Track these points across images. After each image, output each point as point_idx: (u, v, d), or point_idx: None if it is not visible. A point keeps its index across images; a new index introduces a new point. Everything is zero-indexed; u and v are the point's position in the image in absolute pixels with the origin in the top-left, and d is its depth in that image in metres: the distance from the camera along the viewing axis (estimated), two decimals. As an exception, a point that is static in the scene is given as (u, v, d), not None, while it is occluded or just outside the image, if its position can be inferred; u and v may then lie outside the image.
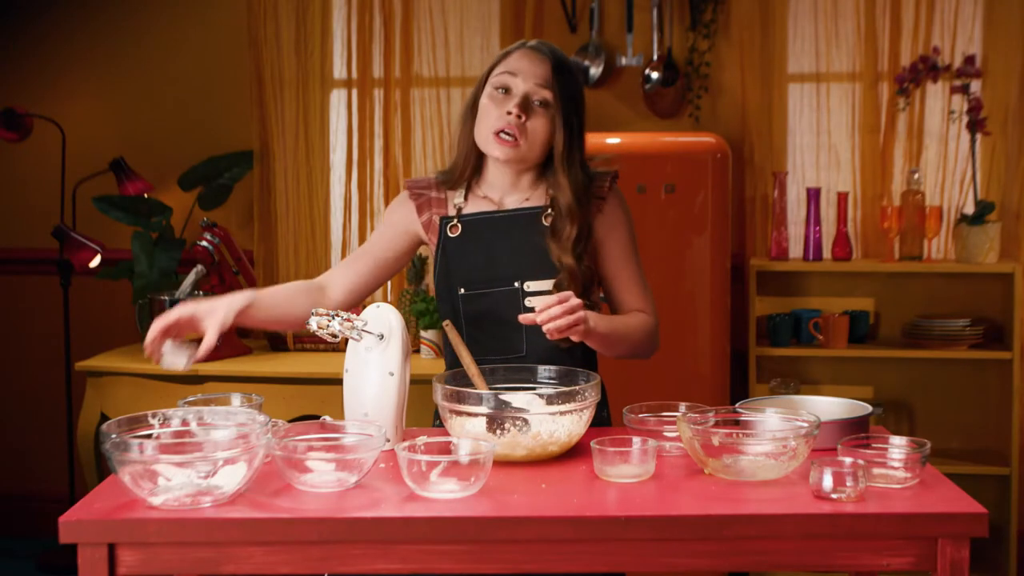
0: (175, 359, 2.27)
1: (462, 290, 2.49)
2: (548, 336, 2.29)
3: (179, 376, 4.04)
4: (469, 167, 2.53)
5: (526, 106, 2.44)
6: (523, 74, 2.45)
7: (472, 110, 2.50)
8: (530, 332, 2.46)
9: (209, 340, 2.28)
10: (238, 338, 4.35)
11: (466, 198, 2.55)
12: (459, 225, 2.52)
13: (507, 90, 2.45)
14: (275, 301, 2.46)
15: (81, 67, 4.76)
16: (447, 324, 2.39)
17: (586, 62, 4.46)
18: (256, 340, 4.55)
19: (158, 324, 2.26)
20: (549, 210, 2.49)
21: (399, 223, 2.59)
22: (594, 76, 4.46)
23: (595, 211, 2.52)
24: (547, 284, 2.47)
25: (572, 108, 2.48)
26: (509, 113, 2.42)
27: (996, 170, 4.32)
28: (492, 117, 2.44)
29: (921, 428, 4.40)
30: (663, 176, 4.01)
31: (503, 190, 2.54)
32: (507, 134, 2.42)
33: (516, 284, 2.48)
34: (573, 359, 2.47)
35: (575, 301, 2.29)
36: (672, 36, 4.46)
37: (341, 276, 2.57)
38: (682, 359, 4.04)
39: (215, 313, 2.32)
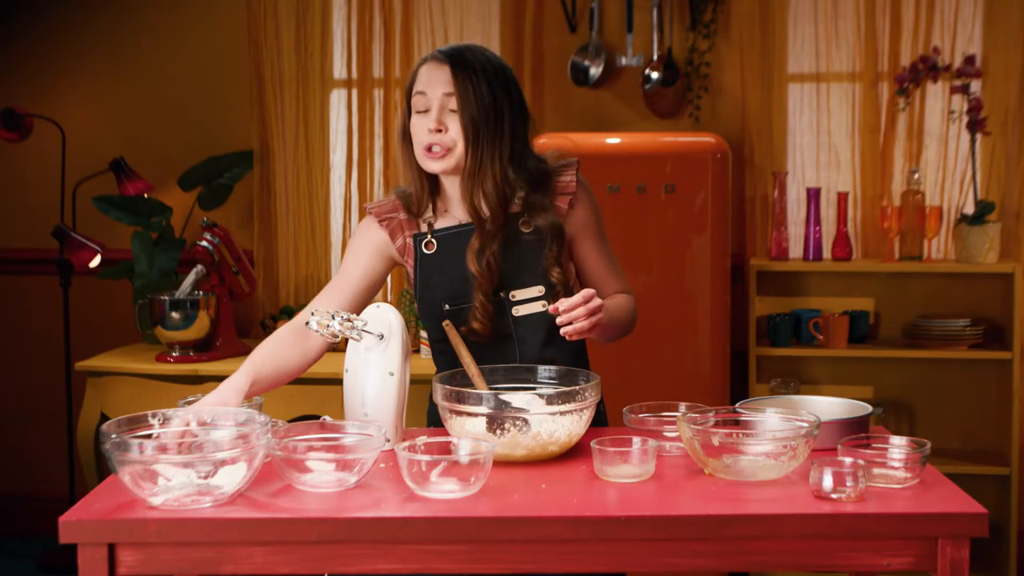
0: None
1: (447, 306, 2.47)
2: (566, 337, 2.30)
3: (179, 376, 4.04)
4: (425, 190, 2.52)
5: (444, 118, 2.42)
6: (430, 87, 2.43)
7: (406, 136, 2.50)
8: (520, 340, 2.46)
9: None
10: (238, 338, 4.35)
11: (435, 214, 2.53)
12: (434, 241, 2.51)
13: (426, 109, 2.44)
14: (273, 365, 2.39)
15: (81, 67, 4.76)
16: (447, 324, 2.39)
17: (586, 62, 4.46)
18: (256, 340, 4.55)
19: (175, 438, 2.07)
20: (525, 217, 2.48)
21: (373, 247, 2.54)
22: (594, 76, 4.46)
23: (565, 208, 2.51)
24: (532, 291, 2.46)
25: (483, 114, 2.41)
26: (430, 130, 2.42)
27: (996, 170, 4.32)
28: (419, 135, 2.44)
29: (921, 428, 4.40)
30: (663, 176, 4.01)
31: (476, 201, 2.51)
32: (437, 147, 2.42)
33: (501, 295, 2.47)
34: (565, 364, 2.47)
35: (597, 301, 2.29)
36: (672, 36, 4.46)
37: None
38: (682, 359, 4.04)
39: (228, 407, 2.23)
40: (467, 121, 2.41)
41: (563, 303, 2.28)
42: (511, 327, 2.47)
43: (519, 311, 2.47)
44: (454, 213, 2.52)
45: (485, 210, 2.45)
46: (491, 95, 2.44)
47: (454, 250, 2.49)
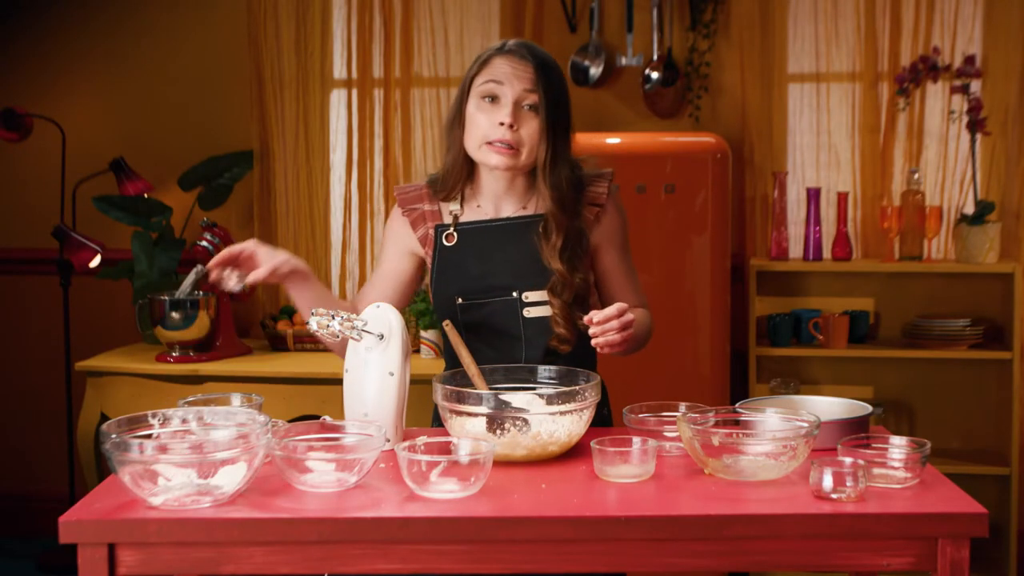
0: (229, 281, 2.37)
1: (460, 300, 2.47)
2: (598, 349, 2.30)
3: (179, 376, 4.05)
4: (461, 177, 2.51)
5: (516, 113, 2.41)
6: (508, 80, 2.40)
7: (459, 119, 2.47)
8: (528, 342, 2.46)
9: (260, 273, 2.34)
10: (238, 338, 4.35)
11: (461, 206, 2.53)
12: (455, 234, 2.51)
13: (494, 98, 2.41)
14: (324, 293, 2.46)
15: (81, 67, 4.76)
16: (447, 324, 2.39)
17: (586, 62, 4.47)
18: (256, 340, 4.55)
19: (223, 252, 2.35)
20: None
21: (400, 243, 2.56)
22: (594, 76, 4.46)
23: (592, 219, 2.51)
24: (546, 295, 2.45)
25: (559, 112, 2.44)
26: (501, 124, 2.39)
27: (996, 170, 4.32)
28: (483, 127, 2.41)
29: (921, 428, 4.40)
30: (663, 176, 4.01)
31: (497, 196, 2.51)
32: (502, 143, 2.40)
33: (515, 294, 2.47)
34: (570, 362, 2.47)
35: (629, 316, 2.29)
36: (672, 36, 4.46)
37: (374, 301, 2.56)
38: (682, 359, 4.04)
39: (276, 255, 2.36)
40: (548, 120, 2.40)
41: (596, 315, 2.27)
42: (520, 327, 2.47)
43: (530, 312, 2.46)
44: (483, 207, 2.52)
45: (559, 210, 2.44)
46: (566, 96, 2.47)
47: (475, 245, 2.49)
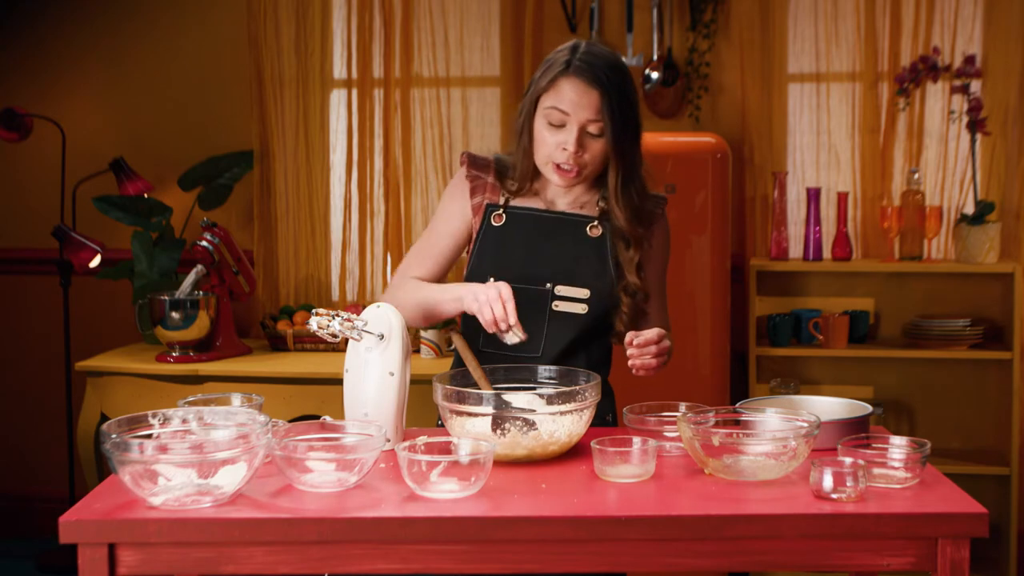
0: (513, 338, 2.36)
1: (492, 279, 2.47)
2: (633, 371, 2.35)
3: (179, 376, 4.05)
4: (528, 178, 2.54)
5: (581, 140, 2.43)
6: (574, 109, 2.41)
7: (527, 130, 2.48)
8: (549, 335, 2.47)
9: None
10: (238, 338, 4.35)
11: (519, 193, 2.55)
12: (504, 215, 2.53)
13: (561, 124, 2.43)
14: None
15: (81, 67, 4.76)
16: (455, 334, 2.39)
17: (586, 62, 4.46)
18: (256, 340, 4.55)
19: (507, 312, 2.33)
20: (596, 222, 2.51)
21: (458, 213, 2.58)
22: (594, 76, 4.46)
23: None
24: (577, 291, 2.48)
25: (626, 133, 2.45)
26: (565, 149, 2.42)
27: (996, 170, 4.32)
28: (548, 146, 2.44)
29: (921, 428, 4.40)
30: (663, 176, 4.00)
31: (556, 192, 2.56)
32: (567, 167, 2.44)
33: (547, 286, 2.48)
34: (583, 365, 2.48)
35: (666, 343, 2.35)
36: (672, 36, 4.46)
37: (420, 276, 2.59)
38: (682, 359, 4.02)
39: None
40: (615, 144, 2.42)
41: (639, 337, 2.32)
42: (545, 320, 2.48)
43: (559, 306, 2.48)
44: (541, 195, 2.55)
45: (637, 226, 2.48)
46: (634, 115, 2.47)
47: (521, 230, 2.52)
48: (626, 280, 2.48)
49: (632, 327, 2.46)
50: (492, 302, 2.33)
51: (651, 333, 2.32)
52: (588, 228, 2.52)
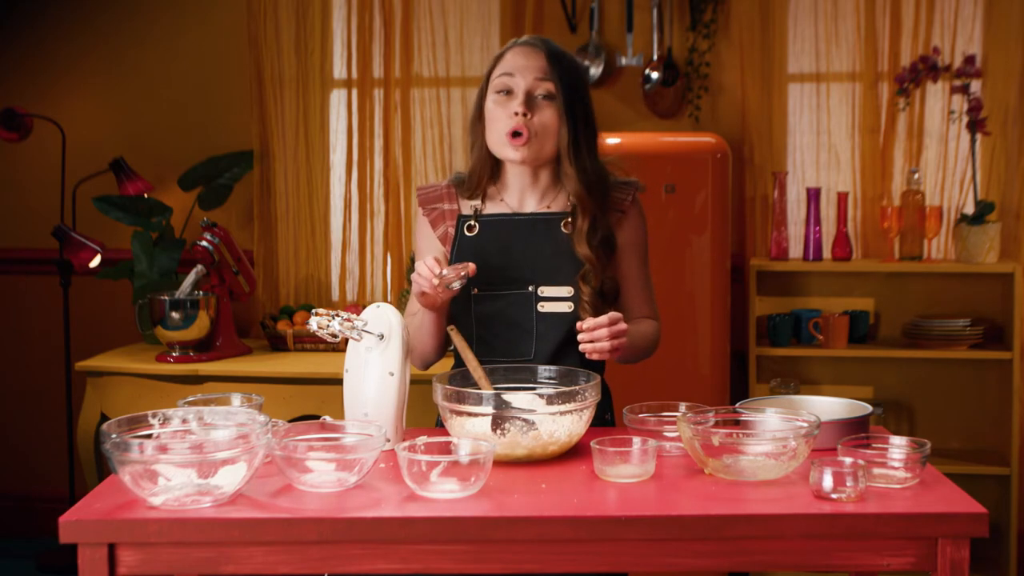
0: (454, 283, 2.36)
1: (475, 290, 2.48)
2: (586, 354, 2.32)
3: (179, 376, 4.04)
4: (486, 174, 2.54)
5: (530, 102, 2.44)
6: (520, 71, 2.44)
7: (480, 117, 2.51)
8: (539, 336, 2.47)
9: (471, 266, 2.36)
10: (238, 338, 4.35)
11: (483, 202, 2.55)
12: (477, 225, 2.53)
13: (509, 91, 2.45)
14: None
15: (81, 67, 4.76)
16: (452, 329, 2.39)
17: (586, 62, 4.46)
18: (256, 340, 4.55)
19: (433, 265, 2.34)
20: (568, 218, 2.50)
21: (432, 250, 2.58)
22: (594, 76, 4.46)
23: (614, 224, 2.53)
24: (561, 290, 2.48)
25: (575, 97, 2.47)
26: (516, 114, 2.43)
27: (996, 170, 4.32)
28: (500, 121, 2.45)
29: (921, 428, 4.40)
30: (663, 176, 4.01)
31: (522, 192, 2.54)
32: (517, 133, 2.43)
33: (530, 288, 2.48)
34: (576, 363, 2.47)
35: (622, 326, 2.32)
36: (672, 36, 4.46)
37: None
38: (682, 359, 4.04)
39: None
40: (565, 107, 2.43)
41: (588, 322, 2.31)
42: (533, 322, 2.48)
43: (544, 307, 2.48)
44: (507, 201, 2.54)
45: (584, 193, 2.46)
46: (583, 85, 2.50)
47: (496, 237, 2.51)
48: (579, 255, 2.46)
49: (596, 314, 2.42)
50: (419, 272, 2.35)
51: (603, 317, 2.31)
52: (561, 225, 2.51)
